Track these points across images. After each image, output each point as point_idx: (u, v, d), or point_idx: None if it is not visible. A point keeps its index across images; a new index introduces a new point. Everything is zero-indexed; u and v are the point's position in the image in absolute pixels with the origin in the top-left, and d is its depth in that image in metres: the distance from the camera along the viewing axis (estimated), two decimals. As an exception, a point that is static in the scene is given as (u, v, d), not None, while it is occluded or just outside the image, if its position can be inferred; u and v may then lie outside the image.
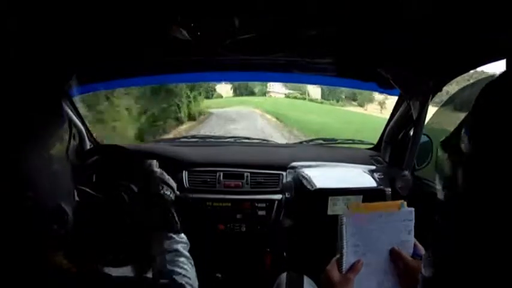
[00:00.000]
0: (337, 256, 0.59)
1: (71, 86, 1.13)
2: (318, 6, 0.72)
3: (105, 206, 0.77)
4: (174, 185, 0.81)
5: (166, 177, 0.81)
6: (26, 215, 0.46)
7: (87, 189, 0.78)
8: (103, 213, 0.77)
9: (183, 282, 0.64)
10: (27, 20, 0.69)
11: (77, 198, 0.62)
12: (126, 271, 0.76)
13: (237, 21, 0.79)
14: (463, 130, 0.33)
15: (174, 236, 0.72)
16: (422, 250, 0.60)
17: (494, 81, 0.32)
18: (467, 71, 0.96)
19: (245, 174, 1.31)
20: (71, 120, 0.61)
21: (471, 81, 1.40)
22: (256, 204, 1.26)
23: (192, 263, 0.72)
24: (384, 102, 11.08)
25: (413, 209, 0.60)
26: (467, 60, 0.91)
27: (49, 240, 0.49)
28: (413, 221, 0.60)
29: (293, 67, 1.27)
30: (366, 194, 1.20)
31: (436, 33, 0.79)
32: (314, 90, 14.81)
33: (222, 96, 15.35)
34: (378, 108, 12.08)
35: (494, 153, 0.29)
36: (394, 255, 0.60)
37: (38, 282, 0.44)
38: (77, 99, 1.31)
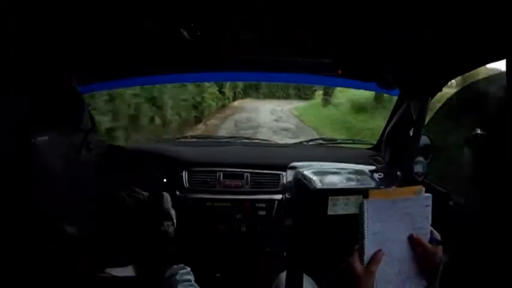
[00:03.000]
0: (358, 246, 0.58)
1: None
2: (318, 6, 0.72)
3: (105, 207, 0.77)
4: (174, 217, 0.82)
5: (172, 212, 0.82)
6: (39, 227, 0.46)
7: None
8: (103, 213, 0.77)
9: None
10: (27, 20, 0.69)
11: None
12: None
13: (237, 21, 0.79)
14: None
15: (180, 267, 0.73)
16: (438, 236, 0.60)
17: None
18: (468, 71, 0.96)
19: (245, 174, 1.31)
20: (93, 123, 0.60)
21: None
22: (256, 204, 1.26)
23: None
24: None
25: (430, 195, 0.60)
26: (467, 60, 0.91)
27: (58, 246, 0.49)
28: (431, 206, 0.60)
29: (293, 67, 1.27)
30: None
31: (436, 33, 0.79)
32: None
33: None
34: None
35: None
36: (413, 241, 0.59)
37: (45, 284, 0.44)
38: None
